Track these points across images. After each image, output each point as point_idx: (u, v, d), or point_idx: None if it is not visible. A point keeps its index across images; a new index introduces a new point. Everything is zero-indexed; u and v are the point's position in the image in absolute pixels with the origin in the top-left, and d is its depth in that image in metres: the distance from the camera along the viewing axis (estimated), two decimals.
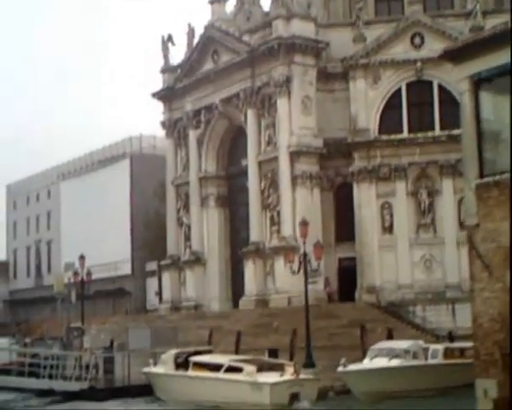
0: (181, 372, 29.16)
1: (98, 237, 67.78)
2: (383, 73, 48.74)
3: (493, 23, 47.29)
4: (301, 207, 48.30)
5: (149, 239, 65.62)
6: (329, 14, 53.17)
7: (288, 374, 26.44)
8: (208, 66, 54.11)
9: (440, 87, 48.11)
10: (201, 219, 55.33)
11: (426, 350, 30.15)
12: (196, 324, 46.42)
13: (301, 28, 49.46)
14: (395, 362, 28.71)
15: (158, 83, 59.59)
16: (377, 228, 48.10)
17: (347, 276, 49.40)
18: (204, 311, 52.31)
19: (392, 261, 47.48)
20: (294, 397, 25.98)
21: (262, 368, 26.94)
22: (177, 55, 57.96)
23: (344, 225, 49.65)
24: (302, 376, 26.74)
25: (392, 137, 48.32)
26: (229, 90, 52.44)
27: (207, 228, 55.17)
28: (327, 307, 46.38)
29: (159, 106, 59.42)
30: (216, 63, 53.49)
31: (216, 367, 27.88)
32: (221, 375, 27.60)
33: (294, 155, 48.65)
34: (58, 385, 32.09)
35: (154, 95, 59.25)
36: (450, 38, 47.77)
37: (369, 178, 48.18)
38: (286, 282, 47.73)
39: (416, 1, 49.31)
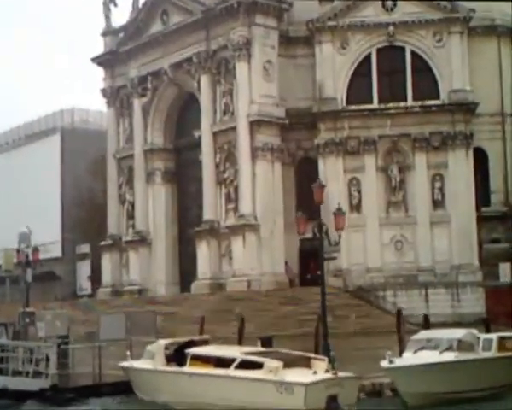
0: (176, 368, 23.58)
1: (26, 218, 63.35)
2: (352, 37, 45.81)
3: None
4: (261, 182, 45.30)
5: (82, 220, 61.78)
6: None
7: (322, 371, 21.25)
8: (157, 27, 50.44)
9: (413, 54, 45.53)
10: (146, 196, 51.73)
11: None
12: (145, 310, 42.86)
13: None
14: (452, 356, 23.30)
15: (99, 48, 55.49)
16: (344, 206, 44.89)
17: (309, 258, 46.74)
18: (152, 296, 48.67)
19: (361, 242, 44.61)
20: (332, 400, 20.58)
21: (287, 364, 21.46)
22: (122, 17, 54.32)
23: (306, 203, 46.65)
24: (341, 374, 21.16)
25: (362, 107, 45.46)
26: (181, 54, 48.87)
27: (153, 206, 51.62)
28: (292, 292, 43.56)
29: (99, 73, 55.40)
30: (166, 24, 49.87)
31: (224, 362, 22.26)
32: (233, 372, 21.81)
33: (255, 126, 45.42)
34: (11, 383, 26.05)
35: (94, 60, 55.00)
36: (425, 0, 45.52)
37: (336, 151, 45.25)
38: (244, 264, 44.80)
39: None
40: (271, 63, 46.10)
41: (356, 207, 45.29)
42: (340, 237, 28.43)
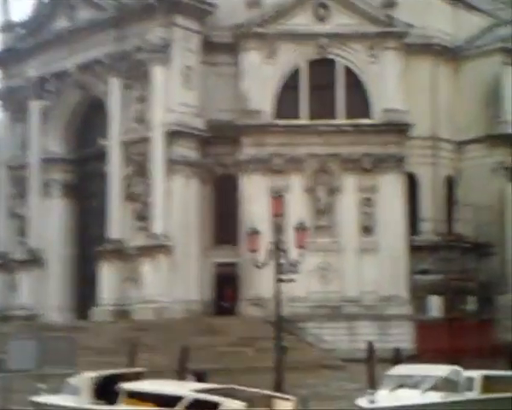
0: (108, 407, 18.98)
1: None
2: (281, 46, 42.65)
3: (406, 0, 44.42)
4: (177, 199, 41.68)
5: None
6: None
7: None
8: (62, 23, 46.05)
9: (346, 69, 42.69)
10: (42, 211, 46.88)
11: None
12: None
13: None
14: (439, 396, 19.94)
15: None
16: (267, 228, 41.91)
17: (226, 285, 43.28)
18: (46, 322, 43.75)
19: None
20: None
21: (248, 404, 17.05)
22: (23, 11, 49.88)
23: (224, 224, 43.28)
24: None
25: (289, 122, 42.36)
26: (89, 54, 44.57)
27: (49, 222, 46.83)
28: (208, 322, 39.80)
29: None
30: (72, 20, 45.48)
31: (169, 401, 17.70)
32: None
33: (171, 137, 41.67)
34: None
35: None
36: (360, 12, 42.83)
37: (261, 169, 42.00)
38: (154, 289, 40.87)
39: None
40: (192, 69, 42.54)
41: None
42: (299, 256, 24.99)
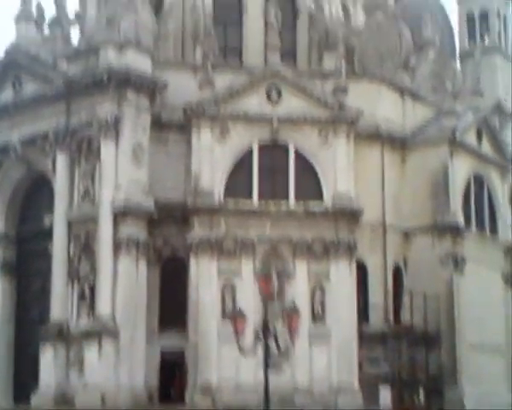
0: None
1: None
2: (233, 127, 41.76)
3: (357, 88, 44.50)
4: (124, 281, 39.67)
5: None
6: (158, 55, 45.91)
7: None
8: (7, 95, 44.20)
9: (297, 152, 42.11)
10: None
11: None
12: None
13: (137, 61, 41.49)
14: None
15: None
16: (217, 314, 40.59)
17: (172, 371, 41.52)
18: None
19: (234, 355, 39.53)
20: None
21: None
22: None
23: (172, 307, 41.73)
24: None
25: (240, 204, 41.37)
26: (34, 128, 42.80)
27: None
28: None
29: None
30: (18, 93, 43.87)
31: None
32: None
33: (120, 216, 40.02)
34: None
35: None
36: (312, 96, 42.57)
37: (211, 251, 40.58)
38: (98, 375, 38.52)
39: (273, 49, 43.64)
40: (142, 147, 41.14)
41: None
42: (292, 342, 23.75)
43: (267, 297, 22.60)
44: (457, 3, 69.64)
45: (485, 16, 68.44)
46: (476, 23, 68.83)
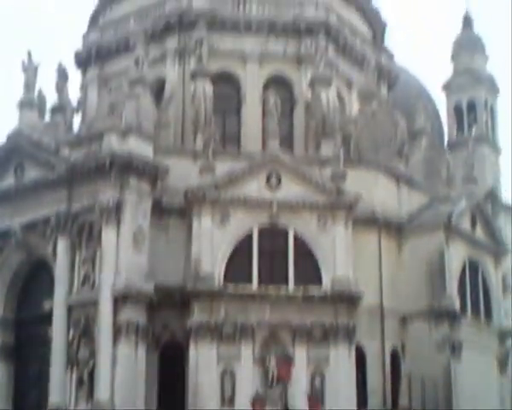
0: None
1: None
2: (233, 212, 42.01)
3: (354, 174, 45.00)
4: (123, 367, 39.29)
5: None
6: (159, 141, 46.41)
7: None
8: (9, 181, 44.43)
9: (297, 237, 42.24)
10: None
11: None
12: None
13: (139, 147, 41.94)
14: None
15: None
16: (216, 399, 40.19)
17: None
18: None
19: None
20: None
21: None
22: None
23: (169, 392, 41.26)
24: None
25: (240, 289, 41.34)
26: (36, 214, 42.95)
27: None
28: None
29: None
30: (20, 179, 44.17)
31: None
32: None
33: (120, 300, 39.87)
34: None
35: None
36: (311, 182, 43.04)
37: (210, 336, 40.35)
38: None
39: (272, 136, 44.31)
40: (142, 232, 41.24)
41: (228, 402, 40.09)
42: None
43: (286, 381, 22.23)
44: (445, 94, 70.72)
45: (472, 107, 69.55)
46: (464, 113, 69.92)
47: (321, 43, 49.31)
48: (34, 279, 45.08)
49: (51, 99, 48.11)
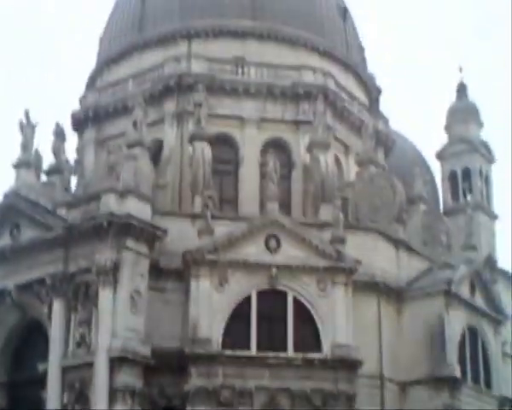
0: None
1: None
2: (232, 275, 41.33)
3: (354, 238, 44.57)
4: None
5: None
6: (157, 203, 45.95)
7: None
8: (5, 241, 43.63)
9: (296, 301, 41.60)
10: None
11: None
12: None
13: (137, 208, 41.38)
14: None
15: None
16: None
17: None
18: None
19: None
20: None
21: None
22: None
23: None
24: None
25: (239, 353, 40.46)
26: (31, 275, 42.14)
27: None
28: None
29: None
30: (16, 239, 43.50)
31: None
32: None
33: (116, 364, 38.90)
34: None
35: None
36: (311, 245, 42.51)
37: (208, 401, 39.36)
38: None
39: (272, 199, 43.87)
40: (140, 294, 40.49)
41: None
42: None
43: None
44: (440, 162, 70.80)
45: (467, 174, 69.59)
46: (459, 181, 69.91)
47: (319, 108, 49.19)
48: (29, 341, 44.06)
49: (47, 159, 48.01)
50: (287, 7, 54.73)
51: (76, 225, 41.39)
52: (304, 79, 52.15)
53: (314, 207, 47.80)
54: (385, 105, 60.70)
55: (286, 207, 48.08)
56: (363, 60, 60.65)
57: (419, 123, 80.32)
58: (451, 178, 69.98)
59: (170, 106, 50.91)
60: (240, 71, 51.81)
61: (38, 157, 47.39)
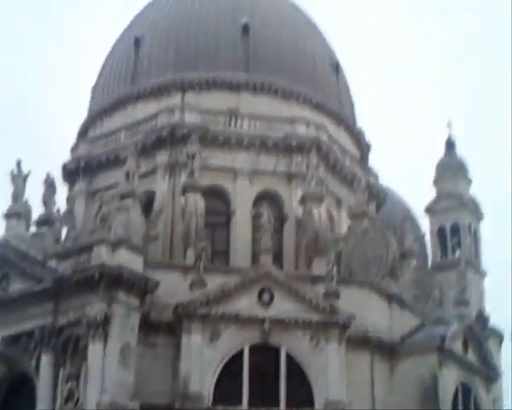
0: None
1: None
2: (224, 329, 40.54)
3: (346, 292, 43.92)
4: None
5: None
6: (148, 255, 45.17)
7: None
8: None
9: (289, 356, 40.80)
10: None
11: None
12: None
13: (129, 260, 40.58)
14: None
15: None
16: None
17: None
18: None
19: None
20: None
21: None
22: None
23: None
24: None
25: (230, 408, 39.47)
26: (20, 327, 41.10)
27: None
28: None
29: None
30: (5, 290, 42.45)
31: None
32: None
33: None
34: None
35: None
36: (304, 299, 41.83)
37: None
38: None
39: (265, 251, 43.30)
40: (130, 348, 39.37)
41: None
42: None
43: None
44: (428, 217, 70.49)
45: (456, 230, 69.26)
46: (448, 237, 69.57)
47: (312, 160, 48.79)
48: (15, 395, 42.78)
49: (36, 209, 47.28)
50: (280, 60, 54.60)
51: (66, 277, 40.50)
52: (297, 132, 51.85)
53: (307, 260, 47.21)
54: (373, 160, 60.71)
55: (278, 260, 47.36)
56: (354, 114, 60.62)
57: (407, 178, 79.77)
58: (440, 233, 69.65)
59: (162, 157, 50.44)
60: (233, 122, 51.44)
61: (28, 208, 46.75)
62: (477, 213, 70.15)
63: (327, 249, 45.75)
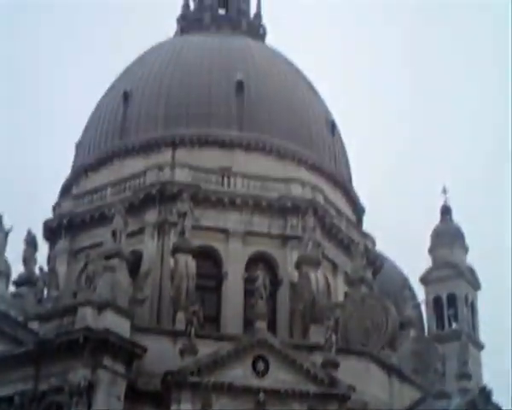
0: None
1: None
2: (216, 399, 38.78)
3: (345, 363, 42.42)
4: None
5: None
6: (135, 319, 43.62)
7: None
8: None
9: None
10: None
11: None
12: None
13: (115, 323, 39.09)
14: None
15: None
16: None
17: None
18: None
19: None
20: None
21: None
22: None
23: None
24: None
25: None
26: None
27: None
28: None
29: None
30: None
31: None
32: None
33: None
34: None
35: None
36: (302, 369, 40.25)
37: None
38: None
39: (260, 317, 41.80)
40: None
41: None
42: None
43: None
44: (425, 286, 69.48)
45: (453, 300, 68.28)
46: (444, 307, 68.55)
47: (309, 223, 47.65)
48: None
49: (16, 268, 45.97)
50: (275, 118, 54.03)
51: (48, 340, 38.83)
52: (292, 193, 50.78)
53: (302, 327, 45.85)
54: (367, 225, 59.75)
55: (271, 326, 45.85)
56: (350, 176, 59.80)
57: (402, 244, 78.65)
58: (436, 303, 68.66)
59: (151, 216, 49.08)
60: (226, 181, 50.39)
61: (7, 268, 45.14)
62: (474, 284, 69.36)
63: (324, 316, 44.38)
